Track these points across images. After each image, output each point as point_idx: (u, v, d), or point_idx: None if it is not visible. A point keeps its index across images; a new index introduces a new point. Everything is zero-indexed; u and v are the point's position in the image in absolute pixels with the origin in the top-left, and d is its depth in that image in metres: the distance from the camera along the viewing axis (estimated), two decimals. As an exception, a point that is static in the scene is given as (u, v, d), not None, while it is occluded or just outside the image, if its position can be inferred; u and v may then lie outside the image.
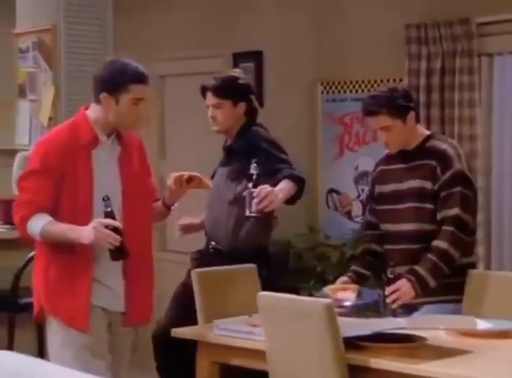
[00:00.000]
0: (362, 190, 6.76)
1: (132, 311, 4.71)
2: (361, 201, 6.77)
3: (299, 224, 6.48)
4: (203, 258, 5.61)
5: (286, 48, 7.18)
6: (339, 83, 6.95)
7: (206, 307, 5.11)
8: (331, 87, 7.01)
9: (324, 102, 7.06)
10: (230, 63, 7.42)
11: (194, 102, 7.80)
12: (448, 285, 4.87)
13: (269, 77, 7.24)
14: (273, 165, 5.31)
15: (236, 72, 5.57)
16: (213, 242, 5.62)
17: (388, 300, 4.72)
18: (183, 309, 5.44)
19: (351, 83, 6.88)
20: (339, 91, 6.98)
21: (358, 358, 4.22)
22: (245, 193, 5.12)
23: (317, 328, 4.19)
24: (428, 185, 4.90)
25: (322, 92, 7.09)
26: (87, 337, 4.52)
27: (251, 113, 5.55)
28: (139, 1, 7.76)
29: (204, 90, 5.51)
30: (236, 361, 4.76)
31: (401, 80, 6.43)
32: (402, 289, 4.74)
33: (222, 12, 7.49)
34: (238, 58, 7.39)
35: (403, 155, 5.03)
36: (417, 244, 4.93)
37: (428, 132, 5.17)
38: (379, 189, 5.18)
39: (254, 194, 5.03)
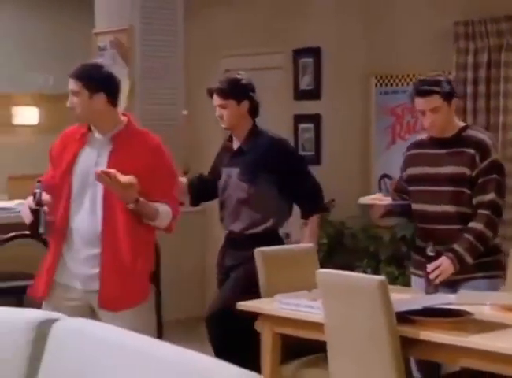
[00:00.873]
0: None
1: (103, 294, 4.59)
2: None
3: (354, 206, 6.45)
4: (224, 244, 5.60)
5: (342, 44, 7.16)
6: (391, 76, 6.93)
7: (269, 283, 5.11)
8: (384, 81, 7.00)
9: (377, 95, 7.05)
10: (290, 59, 7.42)
11: (259, 93, 7.83)
12: (478, 264, 4.80)
13: (326, 71, 7.22)
14: (300, 191, 5.43)
15: (239, 74, 5.53)
16: (227, 231, 5.57)
17: (431, 276, 4.69)
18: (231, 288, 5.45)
19: (403, 76, 6.86)
20: (391, 84, 6.96)
21: (409, 331, 4.20)
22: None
23: (372, 303, 4.18)
24: (466, 171, 4.81)
25: (376, 85, 7.07)
26: (45, 306, 4.61)
27: (254, 110, 5.51)
28: (206, 2, 7.77)
29: (210, 93, 5.46)
30: (296, 332, 4.76)
31: (449, 73, 6.39)
32: (443, 265, 4.70)
33: (284, 11, 7.48)
34: (297, 54, 7.39)
35: (439, 142, 4.94)
36: (456, 225, 4.86)
37: (463, 123, 5.08)
38: (410, 171, 5.07)
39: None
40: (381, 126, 6.99)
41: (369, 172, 6.97)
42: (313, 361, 4.96)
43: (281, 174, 5.38)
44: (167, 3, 6.65)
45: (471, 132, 4.92)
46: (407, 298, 4.56)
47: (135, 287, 4.65)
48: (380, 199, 5.04)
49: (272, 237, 5.47)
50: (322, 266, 4.88)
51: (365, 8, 7.12)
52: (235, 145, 5.52)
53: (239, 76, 5.47)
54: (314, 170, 7.18)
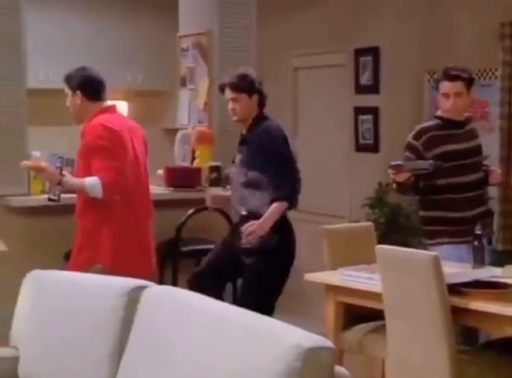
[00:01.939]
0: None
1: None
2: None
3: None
4: (234, 226, 5.39)
5: (398, 44, 7.11)
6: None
7: (332, 257, 5.12)
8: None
9: (430, 90, 6.99)
10: (352, 57, 7.38)
11: (321, 90, 7.82)
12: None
13: (384, 68, 7.17)
14: (275, 179, 5.14)
15: (246, 70, 5.45)
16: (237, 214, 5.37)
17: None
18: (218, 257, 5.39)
19: (453, 72, 6.80)
20: (442, 80, 6.90)
21: (459, 301, 4.19)
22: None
23: (425, 276, 4.16)
24: (480, 142, 5.18)
25: (428, 80, 7.02)
26: None
27: (262, 102, 5.34)
28: (277, 7, 7.77)
29: (223, 87, 5.31)
30: (357, 301, 4.77)
31: (496, 70, 6.31)
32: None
33: (346, 15, 7.45)
34: (358, 53, 7.35)
35: (453, 123, 5.07)
36: (482, 190, 5.15)
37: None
38: (438, 151, 5.02)
39: (242, 231, 5.10)
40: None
41: (422, 159, 6.93)
42: (372, 327, 4.95)
43: (268, 159, 5.17)
44: (242, 9, 6.65)
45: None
46: (457, 271, 4.53)
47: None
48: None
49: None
50: (379, 243, 4.84)
51: (419, 11, 7.07)
52: (242, 132, 5.41)
53: (247, 72, 5.37)
54: (373, 157, 7.20)
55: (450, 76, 4.98)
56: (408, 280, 4.26)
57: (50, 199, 4.86)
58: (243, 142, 5.33)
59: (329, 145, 7.64)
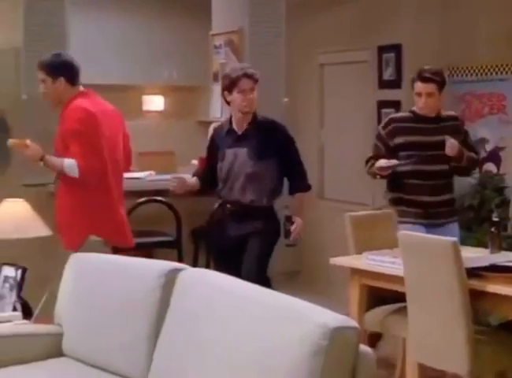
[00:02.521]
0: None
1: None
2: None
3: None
4: (225, 217, 5.26)
5: (419, 41, 7.05)
6: (462, 68, 6.85)
7: (356, 242, 5.09)
8: (455, 72, 6.91)
9: (449, 84, 6.91)
10: (375, 54, 7.33)
11: (346, 85, 7.78)
12: (453, 210, 5.29)
13: (406, 64, 7.11)
14: (293, 168, 5.24)
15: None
16: (228, 205, 5.24)
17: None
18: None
19: (472, 68, 6.76)
20: (461, 75, 6.87)
21: (477, 284, 4.16)
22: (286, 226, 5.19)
23: (445, 260, 4.13)
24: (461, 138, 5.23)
25: (448, 75, 6.95)
26: None
27: None
28: (305, 6, 7.73)
29: (247, 77, 5.11)
30: (380, 284, 4.74)
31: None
32: (453, 142, 5.09)
33: (370, 14, 7.40)
34: (381, 50, 7.29)
35: (424, 119, 5.18)
36: (444, 180, 5.22)
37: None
38: (400, 140, 5.19)
39: (292, 230, 5.19)
40: (453, 110, 6.89)
41: (443, 149, 6.90)
42: (394, 309, 4.92)
43: (280, 154, 5.16)
44: (272, 8, 6.63)
45: (445, 112, 5.29)
46: (476, 256, 4.49)
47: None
48: (389, 162, 5.11)
49: (270, 209, 5.27)
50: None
51: (438, 10, 7.01)
52: (239, 128, 5.21)
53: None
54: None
55: (423, 78, 5.11)
56: (429, 264, 4.23)
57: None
58: (244, 136, 5.19)
59: (354, 136, 7.60)
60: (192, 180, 5.39)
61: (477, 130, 6.71)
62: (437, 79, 5.11)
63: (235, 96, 5.13)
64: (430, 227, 5.07)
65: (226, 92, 5.18)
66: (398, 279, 4.42)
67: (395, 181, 5.23)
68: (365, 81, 7.49)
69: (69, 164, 4.65)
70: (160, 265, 3.78)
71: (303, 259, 7.96)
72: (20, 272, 4.74)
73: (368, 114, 7.41)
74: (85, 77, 7.84)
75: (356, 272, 4.85)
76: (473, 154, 5.27)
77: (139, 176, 6.44)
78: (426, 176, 5.15)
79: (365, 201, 7.16)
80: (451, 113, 5.36)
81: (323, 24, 7.84)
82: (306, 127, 8.07)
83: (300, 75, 7.98)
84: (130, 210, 5.59)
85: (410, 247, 4.33)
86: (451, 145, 5.07)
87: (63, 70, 4.78)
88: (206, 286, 3.50)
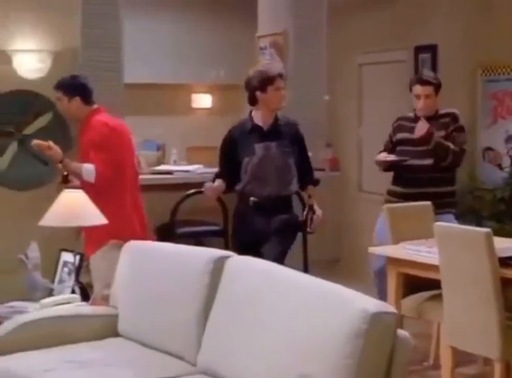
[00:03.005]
0: (511, 148, 6.62)
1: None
2: (510, 156, 6.63)
3: (462, 173, 6.32)
4: (251, 210, 5.11)
5: (454, 42, 7.00)
6: (494, 67, 6.79)
7: (394, 233, 5.07)
8: (488, 71, 6.87)
9: (482, 82, 6.90)
10: (412, 54, 7.28)
11: (383, 84, 7.73)
12: (448, 203, 5.33)
13: (441, 64, 7.07)
14: (305, 163, 5.23)
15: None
16: (252, 198, 5.08)
17: None
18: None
19: (504, 67, 6.71)
20: (493, 74, 6.82)
21: (508, 273, 4.13)
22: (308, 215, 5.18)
23: (479, 250, 4.10)
24: (442, 134, 5.26)
25: (481, 74, 6.92)
26: None
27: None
28: (345, 9, 7.70)
29: (280, 77, 5.09)
30: (416, 272, 4.72)
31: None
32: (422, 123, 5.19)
33: (407, 16, 7.35)
34: (418, 50, 7.24)
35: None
36: (432, 173, 5.28)
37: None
38: (400, 136, 5.42)
39: (314, 219, 5.16)
40: (485, 108, 6.86)
41: (475, 145, 6.84)
42: (429, 295, 4.90)
43: (299, 149, 5.15)
44: (314, 12, 6.61)
45: (445, 110, 5.36)
46: (508, 246, 4.45)
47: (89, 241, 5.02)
48: (387, 157, 5.39)
49: (290, 201, 5.21)
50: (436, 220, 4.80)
51: (472, 12, 6.94)
52: (264, 124, 5.15)
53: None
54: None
55: (422, 81, 5.28)
56: (463, 253, 4.20)
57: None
58: (272, 131, 5.13)
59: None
60: (218, 183, 5.20)
61: (509, 126, 6.66)
62: (434, 82, 5.28)
63: (271, 94, 5.08)
64: None
65: (259, 91, 5.12)
66: (434, 268, 4.40)
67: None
68: (403, 80, 7.42)
69: (87, 168, 4.86)
70: (209, 253, 3.80)
71: (343, 248, 7.95)
72: (77, 257, 4.79)
73: (405, 111, 7.36)
74: (138, 77, 7.92)
75: (393, 261, 4.82)
76: (450, 144, 5.23)
77: (189, 169, 6.46)
78: (417, 170, 5.28)
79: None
80: (450, 110, 5.42)
81: (362, 26, 7.80)
82: (345, 123, 8.06)
83: (340, 75, 7.96)
84: (179, 202, 5.64)
85: (445, 237, 4.31)
86: (419, 126, 5.20)
87: (79, 90, 5.04)
88: (252, 272, 3.51)
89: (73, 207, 4.69)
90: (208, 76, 9.46)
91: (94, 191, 4.77)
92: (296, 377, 2.98)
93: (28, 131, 5.65)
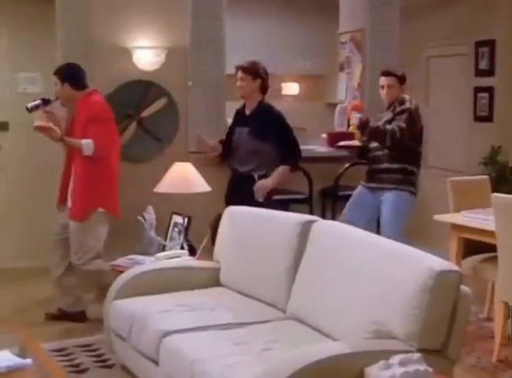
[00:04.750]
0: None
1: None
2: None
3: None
4: (231, 181, 5.22)
5: (510, 37, 6.76)
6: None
7: (455, 202, 4.98)
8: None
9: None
10: (472, 48, 7.06)
11: (448, 74, 7.54)
12: (393, 179, 5.04)
13: (499, 57, 6.84)
14: (283, 147, 5.05)
15: (257, 60, 5.22)
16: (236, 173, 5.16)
17: None
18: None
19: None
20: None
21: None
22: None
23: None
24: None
25: (534, 67, 6.69)
26: None
27: (264, 89, 5.16)
28: (415, 6, 7.53)
29: (237, 69, 5.13)
30: (475, 237, 4.62)
31: None
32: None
33: (469, 12, 7.12)
34: (478, 45, 7.01)
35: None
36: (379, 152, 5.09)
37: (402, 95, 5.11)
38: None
39: (255, 189, 4.98)
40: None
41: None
42: (485, 257, 4.79)
43: (277, 135, 5.03)
44: (388, 11, 6.48)
45: (405, 105, 5.00)
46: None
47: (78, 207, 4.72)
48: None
49: (252, 178, 5.06)
50: (492, 192, 4.66)
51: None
52: (248, 109, 5.17)
53: (257, 61, 5.21)
54: (488, 126, 6.92)
55: (384, 72, 5.10)
56: (517, 221, 4.09)
57: (27, 108, 4.76)
58: (247, 117, 5.13)
59: (453, 116, 7.39)
60: (215, 143, 5.35)
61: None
62: (397, 74, 5.06)
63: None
64: (369, 190, 5.16)
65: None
66: (490, 233, 4.29)
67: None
68: (465, 71, 7.25)
69: (86, 143, 4.64)
70: (297, 217, 3.79)
71: (412, 215, 7.82)
72: (186, 220, 4.85)
73: (466, 98, 7.18)
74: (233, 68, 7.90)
75: (455, 227, 4.74)
76: (387, 126, 4.94)
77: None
78: (372, 150, 5.16)
79: (462, 169, 6.96)
80: (407, 105, 5.02)
81: (429, 23, 7.62)
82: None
83: (410, 66, 7.76)
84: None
85: (501, 207, 4.19)
86: (355, 119, 5.07)
87: (68, 78, 4.83)
88: (335, 233, 3.49)
89: (182, 176, 4.76)
90: (295, 67, 9.42)
91: (88, 162, 4.67)
92: (370, 323, 2.96)
93: (145, 113, 5.73)
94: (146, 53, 5.69)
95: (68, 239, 4.80)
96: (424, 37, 7.66)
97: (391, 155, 5.06)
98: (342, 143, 5.27)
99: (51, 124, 4.68)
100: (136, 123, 5.71)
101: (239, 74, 5.13)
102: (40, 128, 4.64)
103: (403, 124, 4.90)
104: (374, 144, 5.14)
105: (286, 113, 9.53)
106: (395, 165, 5.08)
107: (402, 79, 5.10)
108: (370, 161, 5.23)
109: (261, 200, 4.98)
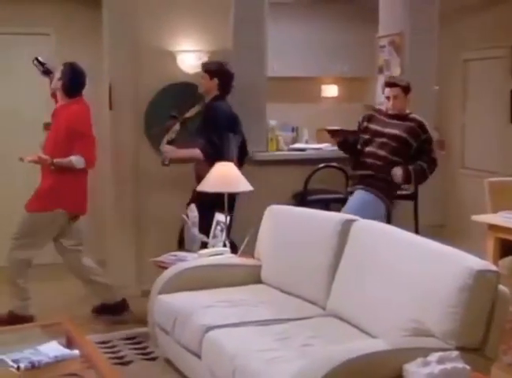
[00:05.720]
0: None
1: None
2: None
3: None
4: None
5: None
6: None
7: (493, 203, 4.91)
8: None
9: None
10: (509, 51, 6.96)
11: (484, 77, 7.44)
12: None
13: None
14: (207, 140, 5.05)
15: (224, 62, 5.20)
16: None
17: None
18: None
19: None
20: None
21: None
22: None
23: None
24: (407, 137, 4.89)
25: None
26: None
27: (223, 89, 5.15)
28: (453, 10, 7.45)
29: (201, 66, 5.25)
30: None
31: None
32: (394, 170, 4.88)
33: (505, 16, 7.02)
34: (514, 48, 6.93)
35: (392, 116, 4.98)
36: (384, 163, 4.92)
37: (408, 111, 5.02)
38: (365, 124, 5.09)
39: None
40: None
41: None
42: (523, 257, 4.72)
43: (205, 128, 5.14)
44: (427, 15, 6.38)
45: (414, 116, 4.97)
46: None
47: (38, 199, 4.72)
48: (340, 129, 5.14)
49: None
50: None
51: None
52: None
53: (220, 61, 5.21)
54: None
55: (389, 84, 5.01)
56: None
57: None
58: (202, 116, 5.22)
59: (490, 118, 7.29)
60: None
61: None
62: (401, 84, 4.97)
63: None
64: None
65: None
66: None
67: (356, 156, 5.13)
68: (501, 73, 7.15)
69: (77, 160, 4.65)
70: (337, 216, 3.77)
71: (448, 215, 7.74)
72: (229, 218, 4.85)
73: (502, 100, 7.09)
74: (277, 72, 7.91)
75: (492, 227, 4.67)
76: (422, 164, 4.90)
77: (320, 147, 6.43)
78: (373, 157, 4.96)
79: (498, 170, 6.87)
80: (417, 117, 4.97)
81: (466, 27, 7.54)
82: (451, 110, 7.81)
83: (448, 69, 7.70)
84: (311, 174, 5.61)
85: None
86: (396, 172, 4.88)
87: (63, 85, 4.83)
88: (374, 233, 3.47)
89: (224, 176, 4.76)
90: (334, 70, 9.36)
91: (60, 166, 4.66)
92: (408, 321, 2.94)
93: (188, 114, 5.75)
94: (189, 56, 5.72)
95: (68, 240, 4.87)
96: (461, 40, 7.58)
97: (386, 167, 4.95)
98: (329, 128, 5.26)
99: (39, 154, 4.71)
100: (180, 124, 5.74)
101: (201, 73, 5.24)
102: (33, 161, 4.70)
103: (435, 156, 5.01)
104: (379, 152, 4.98)
105: (325, 114, 9.51)
106: (383, 176, 4.98)
107: (406, 90, 5.00)
108: (365, 167, 5.03)
109: (166, 163, 5.13)
